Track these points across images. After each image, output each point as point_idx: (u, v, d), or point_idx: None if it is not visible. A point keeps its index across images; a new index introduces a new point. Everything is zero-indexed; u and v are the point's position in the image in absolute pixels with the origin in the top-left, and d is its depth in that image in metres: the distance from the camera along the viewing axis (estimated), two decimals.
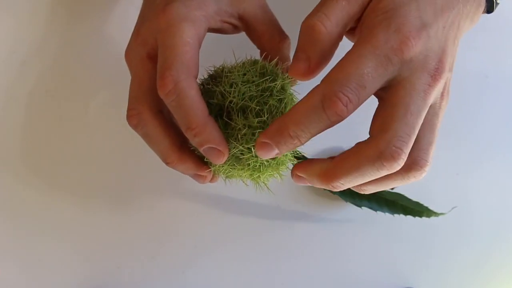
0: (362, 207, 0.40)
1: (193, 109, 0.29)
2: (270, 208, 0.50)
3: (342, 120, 0.26)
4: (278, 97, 0.32)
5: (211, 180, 0.35)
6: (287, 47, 0.36)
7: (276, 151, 0.28)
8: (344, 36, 0.31)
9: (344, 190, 0.39)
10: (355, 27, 0.31)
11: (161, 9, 0.32)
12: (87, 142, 0.49)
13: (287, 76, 0.34)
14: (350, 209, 0.50)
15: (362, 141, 0.28)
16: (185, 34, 0.30)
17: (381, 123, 0.27)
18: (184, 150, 0.33)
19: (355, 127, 0.51)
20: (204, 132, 0.29)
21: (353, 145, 0.49)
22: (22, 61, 0.49)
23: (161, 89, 0.29)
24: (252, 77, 0.32)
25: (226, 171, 0.33)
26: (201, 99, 0.30)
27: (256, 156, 0.31)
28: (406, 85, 0.27)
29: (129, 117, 0.32)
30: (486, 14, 0.34)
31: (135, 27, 0.35)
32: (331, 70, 0.27)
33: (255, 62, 0.33)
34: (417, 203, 0.41)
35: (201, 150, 0.31)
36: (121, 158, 0.49)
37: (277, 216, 0.50)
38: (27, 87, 0.50)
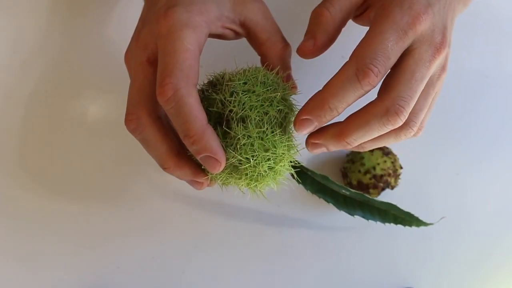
0: (355, 216, 0.42)
1: (191, 117, 0.29)
2: (269, 209, 0.50)
3: (374, 88, 0.30)
4: (278, 107, 0.32)
5: (208, 185, 0.35)
6: (288, 55, 0.36)
7: (316, 124, 0.31)
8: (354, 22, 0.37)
9: (338, 200, 0.42)
10: (362, 13, 0.36)
11: (162, 14, 0.32)
12: (87, 142, 0.49)
13: (288, 86, 0.34)
14: None
15: (371, 101, 0.32)
16: (186, 41, 0.30)
17: (388, 86, 0.31)
18: (181, 156, 0.33)
19: None
20: (202, 141, 0.30)
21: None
22: (22, 61, 0.49)
23: (161, 96, 0.29)
24: (253, 86, 0.32)
25: (223, 179, 0.33)
26: (200, 107, 0.30)
27: (254, 166, 0.31)
28: (415, 55, 0.31)
29: (127, 122, 0.32)
30: (479, 2, 0.39)
31: (136, 30, 0.35)
32: (358, 47, 0.31)
33: (256, 70, 0.33)
34: (408, 213, 0.42)
35: (198, 158, 0.31)
36: (121, 158, 0.49)
37: (276, 217, 0.50)
38: (27, 87, 0.50)
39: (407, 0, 0.31)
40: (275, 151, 0.31)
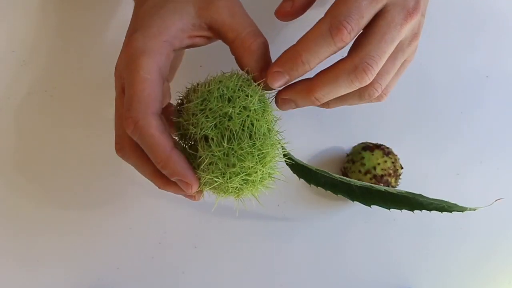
0: (372, 206, 0.38)
1: (154, 146, 0.31)
2: (270, 209, 0.50)
3: (346, 45, 0.31)
4: (239, 120, 0.31)
5: (197, 199, 0.37)
6: (260, 47, 0.34)
7: (287, 77, 0.32)
8: None
9: (353, 191, 0.38)
10: None
11: (126, 43, 0.33)
12: (87, 141, 0.49)
13: (258, 86, 0.33)
14: (350, 210, 0.50)
15: (341, 59, 0.32)
16: (143, 70, 0.31)
17: (359, 45, 0.32)
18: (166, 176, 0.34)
19: (354, 127, 0.51)
20: (168, 166, 0.31)
21: (352, 146, 0.49)
22: (22, 61, 0.49)
23: (126, 129, 0.31)
24: (210, 103, 0.31)
25: (208, 191, 0.34)
26: (162, 135, 0.31)
27: (226, 183, 0.31)
28: (387, 17, 0.31)
29: (116, 150, 0.35)
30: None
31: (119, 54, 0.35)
32: (333, 5, 0.31)
33: (219, 79, 0.32)
34: (441, 200, 0.37)
35: (172, 180, 0.32)
36: (120, 158, 0.49)
37: (276, 216, 0.50)
38: (27, 87, 0.49)
39: None
40: (242, 165, 0.31)
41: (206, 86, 0.32)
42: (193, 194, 0.35)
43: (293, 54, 0.31)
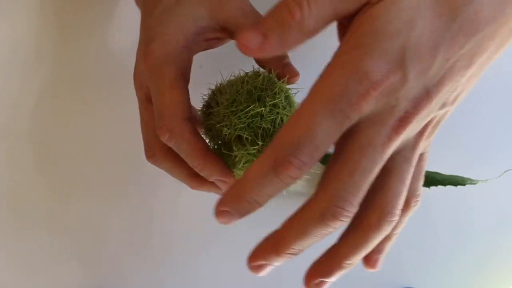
0: None
1: (190, 151, 0.31)
2: (270, 208, 0.50)
3: (298, 180, 0.23)
4: (270, 118, 0.32)
5: None
6: None
7: (237, 216, 0.27)
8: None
9: None
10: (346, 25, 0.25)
11: (143, 54, 0.32)
12: (87, 141, 0.49)
13: (282, 84, 0.34)
14: None
15: (308, 199, 0.25)
16: (168, 79, 0.31)
17: (326, 179, 0.24)
18: (201, 176, 0.34)
19: None
20: (205, 168, 0.32)
21: None
22: (22, 61, 0.49)
23: (161, 137, 0.31)
24: (241, 103, 0.32)
25: None
26: (197, 139, 0.32)
27: None
28: (361, 139, 0.23)
29: (147, 158, 0.35)
30: None
31: (135, 63, 0.35)
32: (283, 129, 0.23)
33: (243, 80, 0.33)
34: (457, 176, 0.38)
35: (210, 180, 0.33)
36: (121, 158, 0.49)
37: (277, 216, 0.50)
38: (27, 87, 0.50)
39: (364, 63, 0.21)
40: None
41: (233, 87, 0.33)
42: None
43: (237, 193, 0.26)
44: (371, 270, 0.30)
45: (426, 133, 0.25)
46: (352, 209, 0.24)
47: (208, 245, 0.49)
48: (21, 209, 0.49)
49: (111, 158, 0.49)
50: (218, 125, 0.32)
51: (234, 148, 0.32)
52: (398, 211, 0.26)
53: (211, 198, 0.49)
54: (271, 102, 0.32)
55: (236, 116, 0.32)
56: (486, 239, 0.50)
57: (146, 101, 0.34)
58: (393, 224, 0.25)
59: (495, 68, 0.52)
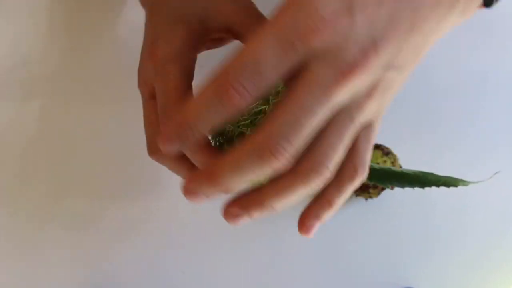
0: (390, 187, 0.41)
1: (194, 147, 0.31)
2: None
3: (242, 110, 0.23)
4: None
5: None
6: None
7: (177, 143, 0.25)
8: None
9: (371, 172, 0.36)
10: None
11: (148, 51, 0.33)
12: (87, 141, 0.49)
13: (282, 85, 0.34)
14: (350, 209, 0.50)
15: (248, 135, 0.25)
16: (173, 76, 0.32)
17: (269, 115, 0.24)
18: None
19: None
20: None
21: None
22: (22, 61, 0.49)
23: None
24: None
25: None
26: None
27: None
28: (307, 76, 0.22)
29: (149, 154, 0.35)
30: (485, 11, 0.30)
31: (140, 61, 0.36)
32: (230, 57, 0.23)
33: None
34: (449, 177, 0.39)
35: None
36: (121, 158, 0.49)
37: (276, 216, 0.50)
38: (27, 87, 0.50)
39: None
40: None
41: None
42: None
43: (181, 117, 0.24)
44: (305, 235, 0.29)
45: (373, 97, 0.24)
46: (290, 149, 0.23)
47: (208, 246, 0.49)
48: (21, 208, 0.49)
49: (113, 158, 0.49)
50: None
51: (236, 144, 0.33)
52: (330, 166, 0.25)
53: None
54: (274, 100, 0.33)
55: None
56: (486, 239, 0.50)
57: (150, 98, 0.34)
58: (323, 179, 0.25)
59: (489, 71, 0.52)
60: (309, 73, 0.22)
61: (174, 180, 0.46)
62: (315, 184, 0.25)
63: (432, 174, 0.39)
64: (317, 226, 0.29)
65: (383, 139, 0.49)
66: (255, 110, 0.32)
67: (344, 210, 0.50)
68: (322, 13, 0.21)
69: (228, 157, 0.25)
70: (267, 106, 0.32)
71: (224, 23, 0.34)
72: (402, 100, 0.51)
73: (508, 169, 0.51)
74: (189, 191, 0.27)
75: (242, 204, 0.27)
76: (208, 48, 0.36)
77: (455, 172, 0.51)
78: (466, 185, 0.39)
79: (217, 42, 0.36)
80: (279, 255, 0.49)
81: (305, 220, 0.30)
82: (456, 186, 0.38)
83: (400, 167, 0.47)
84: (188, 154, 0.32)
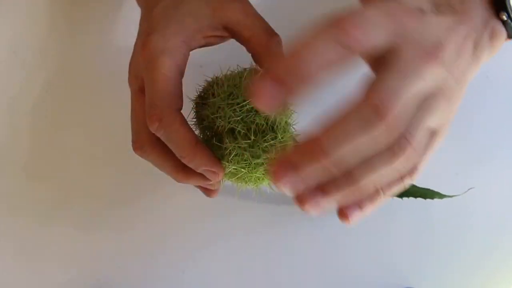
0: None
1: (180, 141, 0.32)
2: (270, 208, 0.50)
3: (358, 52, 0.24)
4: (264, 114, 0.33)
5: (215, 192, 0.39)
6: (276, 45, 0.36)
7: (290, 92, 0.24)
8: None
9: None
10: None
11: (142, 43, 0.33)
12: (87, 142, 0.49)
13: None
14: None
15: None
16: (164, 69, 0.32)
17: (375, 82, 0.25)
18: (187, 168, 0.35)
19: None
20: (195, 159, 0.32)
21: None
22: (22, 61, 0.49)
23: (150, 127, 0.32)
24: (237, 98, 0.33)
25: (228, 180, 0.36)
26: (186, 129, 0.32)
27: (250, 172, 0.33)
28: (400, 54, 0.25)
29: (134, 149, 0.35)
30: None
31: (132, 55, 0.36)
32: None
33: (240, 75, 0.34)
34: (427, 189, 0.41)
35: (198, 171, 0.34)
36: (122, 158, 0.49)
37: (277, 215, 0.50)
38: (27, 87, 0.50)
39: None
40: (266, 156, 0.33)
41: (231, 81, 0.34)
42: (212, 187, 0.38)
43: (292, 60, 0.24)
44: (344, 222, 0.29)
45: (442, 98, 0.27)
46: (395, 108, 0.24)
47: (208, 246, 0.49)
48: (21, 208, 0.49)
49: (111, 158, 0.49)
50: (212, 116, 0.33)
51: (226, 140, 0.33)
52: (414, 144, 0.26)
53: (210, 198, 0.49)
54: None
55: (231, 109, 0.32)
56: (486, 239, 0.50)
57: (139, 91, 0.34)
58: (405, 157, 0.25)
59: (489, 71, 0.52)
60: (400, 52, 0.25)
61: (174, 181, 0.46)
62: (399, 162, 0.25)
63: (412, 186, 0.40)
64: (358, 217, 0.29)
65: None
66: (248, 107, 0.32)
67: None
68: (411, 6, 0.26)
69: (332, 126, 0.24)
70: None
71: (220, 21, 0.35)
72: None
73: (508, 169, 0.51)
74: (281, 174, 0.25)
75: (295, 158, 0.25)
76: (203, 45, 0.35)
77: (455, 171, 0.51)
78: (441, 198, 0.42)
79: (213, 39, 0.36)
80: (279, 255, 0.49)
81: (348, 207, 0.29)
82: (432, 198, 0.41)
83: None
84: (175, 149, 0.32)
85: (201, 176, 0.35)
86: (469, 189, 0.44)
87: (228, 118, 0.32)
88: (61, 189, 0.49)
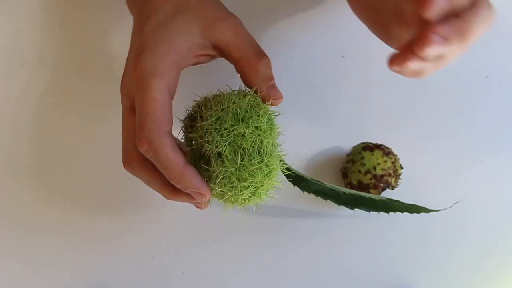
0: (355, 209, 0.43)
1: (169, 164, 0.32)
2: (270, 208, 0.50)
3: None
4: (252, 137, 0.34)
5: (205, 207, 0.39)
6: (265, 67, 0.35)
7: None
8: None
9: (337, 197, 0.42)
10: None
11: (133, 62, 0.33)
12: (87, 141, 0.49)
13: (266, 107, 0.35)
14: (350, 210, 0.50)
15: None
16: (154, 90, 0.32)
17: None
18: (176, 187, 0.35)
19: (354, 127, 0.51)
20: (183, 181, 0.33)
21: (352, 146, 0.49)
22: (22, 61, 0.49)
23: (139, 148, 0.32)
24: (225, 123, 0.33)
25: (219, 200, 0.37)
26: (175, 153, 0.32)
27: (237, 195, 0.34)
28: None
29: (124, 166, 0.36)
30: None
31: (124, 71, 0.36)
32: None
33: (230, 97, 0.34)
34: (413, 204, 0.43)
35: (186, 192, 0.34)
36: (121, 158, 0.49)
37: (276, 216, 0.50)
38: (27, 87, 0.50)
39: None
40: (253, 179, 0.34)
41: (219, 105, 0.34)
42: (201, 205, 0.38)
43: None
44: (393, 68, 0.30)
45: None
46: None
47: (208, 245, 0.49)
48: (21, 208, 0.49)
49: (111, 158, 0.49)
50: (200, 140, 0.34)
51: (213, 163, 0.34)
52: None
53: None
54: (254, 124, 0.34)
55: (219, 133, 0.33)
56: (486, 239, 0.50)
57: (130, 110, 0.34)
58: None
59: (489, 71, 0.52)
60: None
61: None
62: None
63: (397, 201, 0.43)
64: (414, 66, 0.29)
65: (384, 139, 0.49)
66: (235, 132, 0.33)
67: (345, 210, 0.50)
68: None
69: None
70: (246, 130, 0.33)
71: (210, 40, 0.34)
72: (403, 101, 0.51)
73: (508, 169, 0.51)
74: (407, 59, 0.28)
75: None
76: (193, 64, 0.35)
77: (456, 171, 0.51)
78: (428, 212, 0.43)
79: (203, 58, 0.36)
80: (279, 255, 0.49)
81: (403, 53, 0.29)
82: (419, 213, 0.43)
83: (401, 167, 0.47)
84: (163, 171, 0.33)
85: (189, 195, 0.35)
86: (455, 203, 0.45)
87: (216, 143, 0.33)
88: (61, 189, 0.49)
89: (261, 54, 0.35)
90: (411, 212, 0.43)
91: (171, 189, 0.35)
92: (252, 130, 0.33)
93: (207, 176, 0.35)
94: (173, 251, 0.49)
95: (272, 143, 0.35)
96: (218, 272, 0.49)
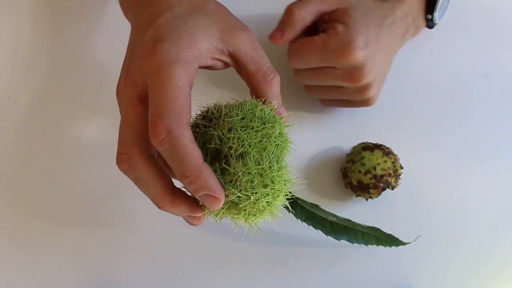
0: (341, 240, 0.45)
1: (186, 157, 0.29)
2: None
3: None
4: (276, 143, 0.32)
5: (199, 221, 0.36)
6: (278, 83, 0.35)
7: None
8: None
9: (326, 226, 0.44)
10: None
11: (150, 49, 0.31)
12: (87, 141, 0.49)
13: (283, 120, 0.34)
14: (350, 210, 0.50)
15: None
16: (176, 78, 0.30)
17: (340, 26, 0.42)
18: (176, 194, 0.32)
19: (354, 127, 0.51)
20: (200, 180, 0.29)
21: (352, 146, 0.49)
22: (22, 61, 0.49)
23: (154, 138, 0.29)
24: (251, 122, 0.31)
25: (220, 214, 0.33)
26: (194, 146, 0.29)
27: (254, 202, 0.31)
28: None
29: (119, 162, 0.32)
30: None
31: (124, 64, 0.34)
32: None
33: (252, 104, 0.33)
34: (389, 235, 0.45)
35: (196, 196, 0.31)
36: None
37: (276, 216, 0.50)
38: (27, 87, 0.50)
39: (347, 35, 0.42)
40: (273, 186, 0.31)
41: (243, 106, 0.32)
42: (196, 220, 0.35)
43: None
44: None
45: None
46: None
47: (208, 245, 0.49)
48: (21, 208, 0.49)
49: (110, 158, 0.49)
50: (224, 137, 0.31)
51: (235, 165, 0.31)
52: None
53: None
54: (280, 128, 0.32)
55: (245, 132, 0.31)
56: (486, 239, 0.50)
57: (137, 99, 0.32)
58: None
59: (489, 71, 0.52)
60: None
61: (174, 180, 0.46)
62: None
63: (378, 230, 0.45)
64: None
65: (384, 139, 0.49)
66: (262, 132, 0.31)
67: (345, 210, 0.50)
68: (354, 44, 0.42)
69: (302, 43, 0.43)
70: (273, 131, 0.32)
71: (228, 47, 0.34)
72: (403, 101, 0.51)
73: (508, 169, 0.51)
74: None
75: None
76: (207, 66, 0.34)
77: (456, 171, 0.51)
78: (404, 244, 0.45)
79: (217, 63, 0.35)
80: (279, 254, 0.49)
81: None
82: (397, 246, 0.46)
83: (401, 167, 0.47)
84: (178, 166, 0.30)
85: (189, 205, 0.33)
86: (417, 237, 0.46)
87: (242, 141, 0.30)
88: (61, 189, 0.49)
89: (274, 71, 0.35)
90: (384, 246, 0.46)
91: (170, 196, 0.32)
92: (278, 134, 0.32)
93: (223, 180, 0.31)
94: (173, 251, 0.49)
95: (286, 158, 0.33)
96: (218, 272, 0.49)
